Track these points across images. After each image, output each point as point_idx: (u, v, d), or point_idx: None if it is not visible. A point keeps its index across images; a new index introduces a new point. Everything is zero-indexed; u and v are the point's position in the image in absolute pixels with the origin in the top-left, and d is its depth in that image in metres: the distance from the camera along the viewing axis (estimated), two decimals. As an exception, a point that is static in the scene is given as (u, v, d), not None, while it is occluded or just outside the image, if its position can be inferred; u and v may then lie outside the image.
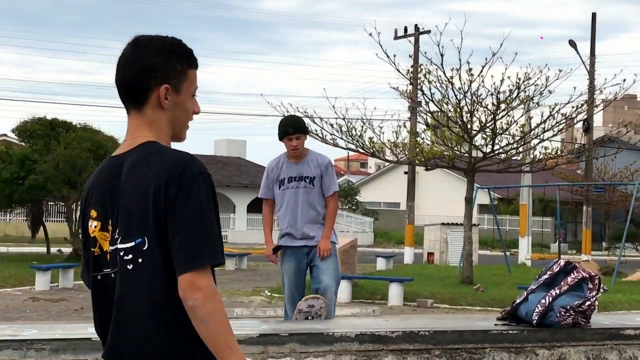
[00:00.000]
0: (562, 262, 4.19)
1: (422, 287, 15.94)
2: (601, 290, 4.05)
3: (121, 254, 1.52)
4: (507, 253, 21.98)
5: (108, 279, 1.57)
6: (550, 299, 3.95)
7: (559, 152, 18.03)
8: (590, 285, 3.99)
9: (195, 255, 1.41)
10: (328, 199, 5.31)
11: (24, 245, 25.04)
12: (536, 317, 3.85)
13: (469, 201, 15.32)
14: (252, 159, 41.76)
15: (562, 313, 3.86)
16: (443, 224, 24.65)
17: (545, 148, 16.45)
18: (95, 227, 1.59)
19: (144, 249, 1.48)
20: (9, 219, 24.42)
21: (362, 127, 15.87)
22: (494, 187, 22.19)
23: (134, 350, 1.52)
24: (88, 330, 3.49)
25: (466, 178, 15.79)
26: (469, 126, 15.13)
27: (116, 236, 1.51)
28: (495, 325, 4.04)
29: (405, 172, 26.64)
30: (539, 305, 3.91)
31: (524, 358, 3.86)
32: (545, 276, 4.11)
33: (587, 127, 22.21)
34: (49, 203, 22.38)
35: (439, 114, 15.95)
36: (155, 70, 1.54)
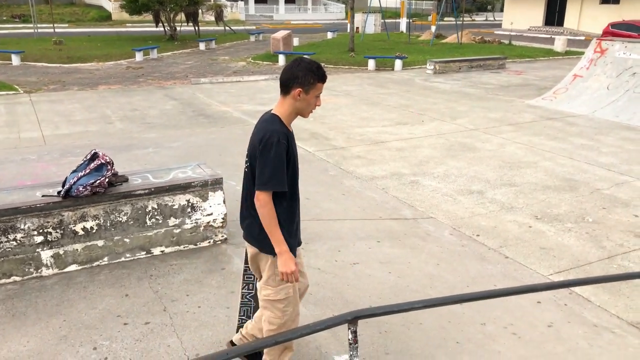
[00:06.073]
0: (92, 152, 4.42)
1: (322, 55, 19.11)
2: (114, 171, 4.42)
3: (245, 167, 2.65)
4: (386, 28, 30.00)
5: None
6: (75, 179, 4.32)
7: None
8: (109, 167, 4.42)
9: (260, 182, 2.50)
10: None
11: (152, 28, 31.33)
12: (62, 192, 4.33)
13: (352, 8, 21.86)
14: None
15: (81, 189, 4.32)
16: (363, 12, 32.59)
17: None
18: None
19: (250, 165, 2.59)
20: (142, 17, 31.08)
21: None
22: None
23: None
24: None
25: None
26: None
27: (246, 157, 2.64)
28: (43, 197, 4.38)
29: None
30: (66, 184, 4.33)
31: (52, 219, 4.33)
32: (81, 162, 4.38)
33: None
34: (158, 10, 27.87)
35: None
36: (298, 78, 2.45)
